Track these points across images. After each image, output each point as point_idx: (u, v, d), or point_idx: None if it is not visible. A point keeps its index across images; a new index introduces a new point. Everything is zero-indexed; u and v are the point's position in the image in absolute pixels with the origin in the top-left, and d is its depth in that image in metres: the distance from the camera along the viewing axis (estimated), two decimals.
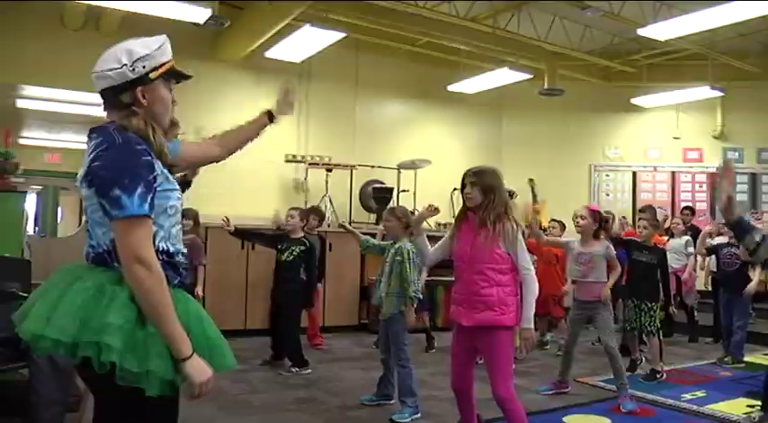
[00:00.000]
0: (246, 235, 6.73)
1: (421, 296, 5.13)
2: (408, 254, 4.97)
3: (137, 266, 1.93)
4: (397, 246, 5.05)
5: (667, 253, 8.08)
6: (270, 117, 2.85)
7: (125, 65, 2.08)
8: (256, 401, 5.25)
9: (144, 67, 2.10)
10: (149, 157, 2.03)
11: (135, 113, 2.09)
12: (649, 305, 6.17)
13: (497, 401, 3.63)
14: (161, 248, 2.07)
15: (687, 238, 8.28)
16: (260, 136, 2.88)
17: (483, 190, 3.65)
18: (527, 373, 6.45)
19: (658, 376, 6.24)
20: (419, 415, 4.85)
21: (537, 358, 7.17)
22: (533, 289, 3.63)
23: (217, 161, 2.73)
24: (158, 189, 2.05)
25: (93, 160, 2.01)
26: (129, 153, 2.00)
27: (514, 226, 3.62)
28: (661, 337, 6.40)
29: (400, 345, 4.96)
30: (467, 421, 4.01)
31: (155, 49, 2.14)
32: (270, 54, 8.55)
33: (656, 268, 6.22)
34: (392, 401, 5.16)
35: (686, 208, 9.63)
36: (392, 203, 9.39)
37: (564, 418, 4.95)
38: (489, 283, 3.60)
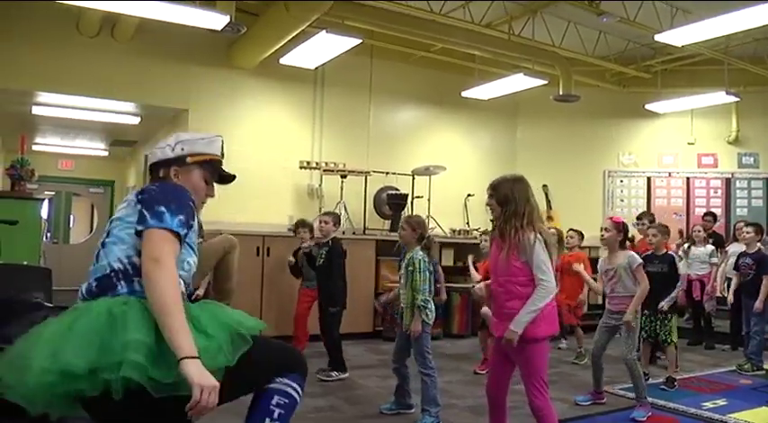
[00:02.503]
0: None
1: (429, 305, 5.02)
2: (420, 263, 4.98)
3: (154, 264, 2.04)
4: (409, 256, 5.04)
5: (689, 261, 8.07)
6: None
7: (168, 145, 2.43)
8: None
9: (183, 149, 2.42)
10: (194, 206, 2.30)
11: None
12: (665, 314, 6.14)
13: (532, 410, 3.61)
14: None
15: (711, 247, 8.23)
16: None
17: (499, 201, 3.65)
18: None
19: (675, 384, 6.21)
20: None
21: (553, 366, 7.13)
22: (540, 296, 3.52)
23: None
24: (187, 240, 2.25)
25: (148, 188, 2.30)
26: (182, 191, 2.30)
27: (531, 237, 3.54)
28: (677, 345, 6.39)
29: (424, 353, 4.94)
30: None
31: (199, 138, 2.47)
32: (285, 61, 8.54)
33: (668, 276, 6.19)
34: (412, 410, 5.13)
35: (708, 214, 9.51)
36: (406, 210, 9.38)
37: None
38: (511, 296, 3.60)
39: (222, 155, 2.55)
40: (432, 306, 5.02)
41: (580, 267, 6.92)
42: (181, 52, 8.55)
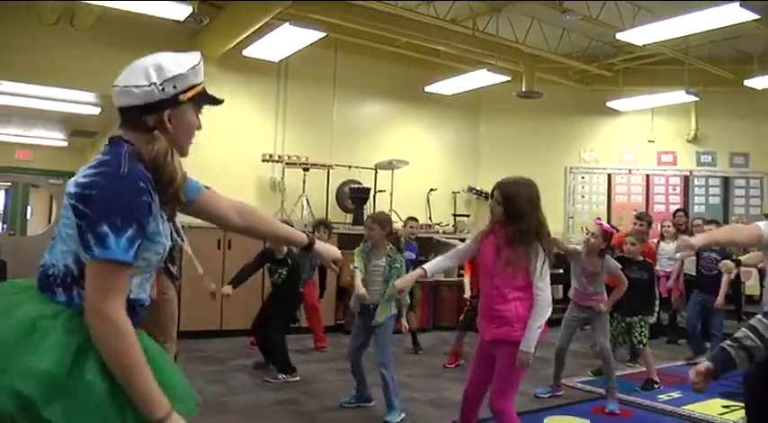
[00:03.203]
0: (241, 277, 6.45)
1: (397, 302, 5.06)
2: (404, 264, 5.10)
3: (95, 317, 1.68)
4: (393, 255, 5.04)
5: (658, 257, 8.15)
6: (308, 246, 2.39)
7: (154, 84, 1.83)
8: (234, 403, 5.20)
9: (175, 87, 1.87)
10: (149, 198, 1.78)
11: (156, 138, 1.85)
12: (641, 318, 6.21)
13: (493, 411, 3.62)
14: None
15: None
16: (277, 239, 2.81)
17: (508, 211, 3.54)
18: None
19: (656, 386, 6.16)
20: (404, 415, 4.85)
21: None
22: (543, 313, 3.46)
23: (226, 229, 2.40)
24: (147, 235, 1.81)
25: (91, 182, 1.75)
26: (130, 190, 1.74)
27: (540, 253, 3.48)
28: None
29: (387, 347, 4.96)
30: None
31: (188, 69, 1.91)
32: (248, 52, 8.48)
33: (648, 283, 6.28)
34: (371, 403, 5.15)
35: (680, 210, 9.56)
36: (369, 204, 9.39)
37: (545, 420, 4.99)
38: (506, 299, 3.53)
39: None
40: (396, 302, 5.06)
41: None
42: (142, 42, 8.35)
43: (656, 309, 6.41)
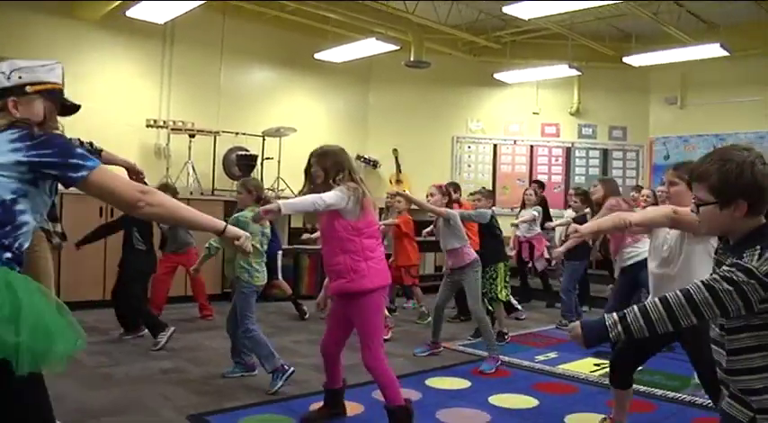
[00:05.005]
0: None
1: (258, 267, 4.99)
2: (244, 224, 5.00)
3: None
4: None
5: (519, 223, 8.48)
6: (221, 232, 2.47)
7: (2, 73, 2.17)
8: (119, 374, 5.07)
9: (20, 77, 2.18)
10: None
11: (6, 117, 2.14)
12: (493, 268, 6.48)
13: (367, 369, 3.75)
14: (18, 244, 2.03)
15: (534, 212, 8.57)
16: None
17: (324, 168, 3.77)
18: (390, 338, 6.58)
19: (506, 338, 6.53)
20: (290, 370, 4.80)
21: (398, 325, 7.32)
22: (304, 199, 3.62)
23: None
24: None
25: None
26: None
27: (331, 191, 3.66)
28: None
29: (245, 314, 4.89)
30: (331, 383, 4.11)
31: (38, 66, 2.23)
32: (131, 13, 8.14)
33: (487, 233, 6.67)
34: (255, 372, 5.09)
35: (536, 181, 9.94)
36: (256, 171, 9.26)
37: (426, 381, 5.07)
38: (335, 252, 3.73)
39: (63, 83, 2.37)
40: (260, 268, 5.00)
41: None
42: (20, 4, 7.97)
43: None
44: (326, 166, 3.74)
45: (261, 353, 4.83)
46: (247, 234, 2.52)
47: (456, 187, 7.93)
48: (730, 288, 1.86)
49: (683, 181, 3.35)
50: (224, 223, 2.41)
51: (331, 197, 3.58)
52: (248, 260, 4.84)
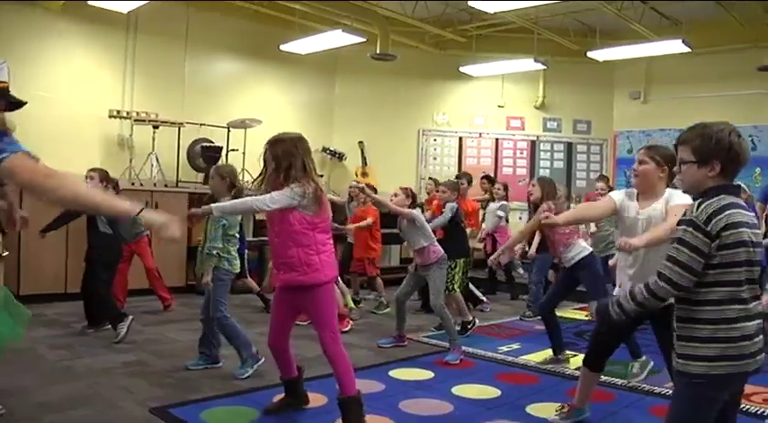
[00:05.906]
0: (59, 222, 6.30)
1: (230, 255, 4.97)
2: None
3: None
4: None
5: (487, 215, 8.59)
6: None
7: None
8: (80, 367, 5.02)
9: None
10: None
11: None
12: (454, 262, 6.52)
13: (327, 357, 3.78)
14: None
15: (498, 204, 8.66)
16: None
17: (275, 157, 3.77)
18: (352, 329, 6.61)
19: (469, 327, 6.51)
20: (262, 360, 4.83)
21: (362, 316, 7.36)
22: (246, 200, 3.83)
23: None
24: None
25: None
26: None
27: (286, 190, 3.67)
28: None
29: (217, 302, 4.88)
30: (286, 373, 4.16)
31: None
32: (95, 2, 8.02)
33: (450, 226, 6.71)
34: (219, 364, 5.08)
35: (485, 176, 9.90)
36: (221, 163, 9.18)
37: (390, 373, 5.09)
38: (288, 245, 3.72)
39: (8, 81, 2.36)
40: (237, 255, 5.00)
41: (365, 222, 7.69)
42: None
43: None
44: (277, 154, 3.74)
45: (238, 339, 4.85)
46: (163, 220, 2.34)
47: (469, 179, 8.50)
48: (683, 249, 2.23)
49: (652, 161, 3.57)
50: (141, 207, 2.30)
51: (277, 201, 3.62)
52: (228, 248, 4.87)
